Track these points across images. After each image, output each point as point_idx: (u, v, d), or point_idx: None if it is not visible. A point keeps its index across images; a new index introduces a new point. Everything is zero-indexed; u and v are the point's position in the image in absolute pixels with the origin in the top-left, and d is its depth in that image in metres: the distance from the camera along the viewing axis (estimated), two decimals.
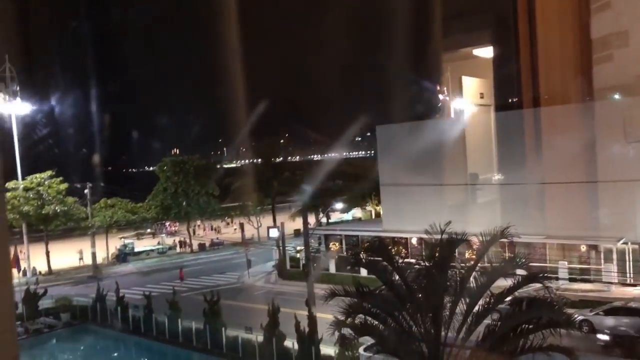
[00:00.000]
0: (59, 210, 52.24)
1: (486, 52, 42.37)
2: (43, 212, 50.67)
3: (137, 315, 33.06)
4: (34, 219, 51.09)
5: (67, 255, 55.07)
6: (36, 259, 51.62)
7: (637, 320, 22.57)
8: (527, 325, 15.22)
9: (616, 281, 31.31)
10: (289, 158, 73.61)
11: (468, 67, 42.71)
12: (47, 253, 51.15)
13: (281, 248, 45.63)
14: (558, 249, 34.45)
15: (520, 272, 16.62)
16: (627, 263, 32.25)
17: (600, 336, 23.32)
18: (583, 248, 33.64)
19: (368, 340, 19.09)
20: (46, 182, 52.09)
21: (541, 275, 17.05)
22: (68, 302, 37.29)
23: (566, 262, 33.63)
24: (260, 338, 26.69)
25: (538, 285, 16.53)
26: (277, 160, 61.15)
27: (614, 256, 32.25)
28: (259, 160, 62.11)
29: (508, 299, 16.23)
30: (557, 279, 31.82)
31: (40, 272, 50.92)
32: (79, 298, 38.67)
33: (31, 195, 50.61)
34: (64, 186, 53.60)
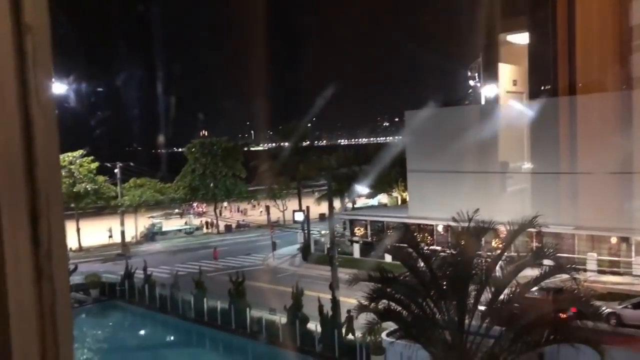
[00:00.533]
0: (89, 189, 53.31)
1: (521, 39, 41.48)
2: (74, 190, 51.74)
3: (164, 293, 33.69)
4: (65, 197, 52.20)
5: (97, 233, 56.27)
6: (67, 235, 52.77)
7: None
8: (552, 316, 15.07)
9: None
10: (316, 142, 73.58)
11: (502, 53, 41.91)
12: (78, 230, 52.31)
13: (306, 232, 45.84)
14: (587, 240, 33.86)
15: (547, 262, 16.43)
16: None
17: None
18: (613, 240, 33.00)
19: (391, 326, 19.13)
20: (77, 161, 53.12)
21: (569, 266, 16.84)
22: (97, 278, 38.16)
23: (595, 254, 33.07)
24: (284, 319, 26.97)
25: (565, 276, 16.32)
26: (304, 144, 61.19)
27: None
28: (286, 143, 62.23)
29: (534, 289, 16.08)
30: (585, 270, 31.35)
31: (70, 249, 52.16)
32: (108, 275, 39.56)
33: (63, 174, 51.70)
34: (94, 165, 54.63)
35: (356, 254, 41.36)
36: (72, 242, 52.98)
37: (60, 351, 0.81)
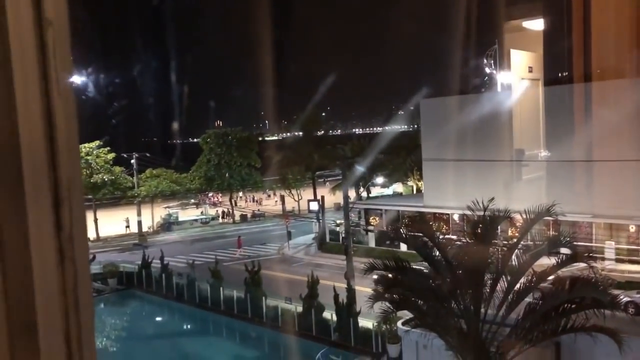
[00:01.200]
0: (106, 179, 53.91)
1: (537, 25, 40.94)
2: (91, 180, 52.36)
3: (181, 282, 34.07)
4: (82, 187, 52.75)
5: (114, 223, 56.94)
6: (87, 220, 53.41)
7: None
8: (569, 305, 15.00)
9: None
10: (331, 131, 73.49)
11: (517, 39, 41.43)
12: (95, 220, 52.98)
13: (321, 221, 45.96)
14: (605, 228, 33.54)
15: (564, 251, 16.33)
16: None
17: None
18: (632, 228, 32.65)
19: (406, 315, 19.17)
20: (94, 152, 53.69)
21: (586, 254, 16.73)
22: (115, 268, 38.66)
23: (613, 242, 32.76)
24: (300, 308, 27.15)
25: (583, 265, 16.22)
26: (319, 133, 61.19)
27: None
28: (300, 133, 62.31)
29: (550, 277, 15.99)
30: (603, 259, 31.09)
31: (88, 239, 52.75)
32: (125, 264, 40.07)
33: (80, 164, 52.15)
34: (111, 156, 55.18)
35: (371, 243, 41.41)
36: (90, 232, 53.69)
37: (82, 328, 0.86)
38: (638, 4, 33.43)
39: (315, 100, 60.57)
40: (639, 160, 30.73)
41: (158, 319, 36.39)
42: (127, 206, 59.84)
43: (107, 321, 34.33)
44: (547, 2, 38.65)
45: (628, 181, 31.57)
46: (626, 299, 21.72)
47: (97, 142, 54.44)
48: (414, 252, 17.60)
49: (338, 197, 51.09)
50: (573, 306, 14.85)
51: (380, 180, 60.11)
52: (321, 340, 25.85)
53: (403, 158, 54.77)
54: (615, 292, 17.09)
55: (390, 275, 15.90)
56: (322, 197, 47.78)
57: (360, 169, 48.06)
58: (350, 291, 25.70)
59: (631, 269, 31.02)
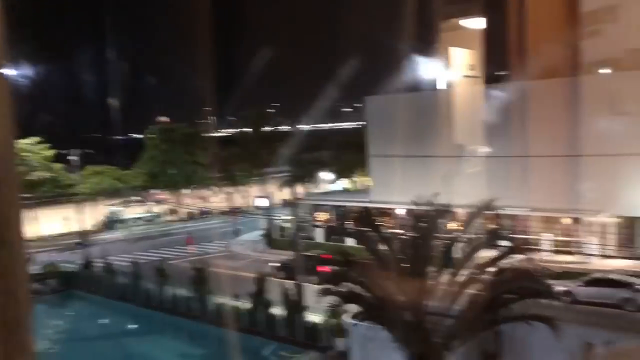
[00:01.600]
0: (46, 177, 51.90)
1: (477, 24, 42.03)
2: (30, 178, 50.28)
3: (125, 281, 33.28)
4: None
5: (55, 221, 54.90)
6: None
7: (615, 290, 23.09)
8: (509, 295, 15.57)
9: (597, 253, 31.89)
10: (278, 128, 73.18)
11: (459, 38, 42.39)
12: (35, 219, 50.89)
13: (269, 217, 45.82)
14: (542, 221, 34.88)
15: (504, 243, 16.95)
16: (608, 236, 32.78)
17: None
18: (566, 221, 34.10)
19: (354, 308, 19.39)
20: (32, 148, 51.57)
21: (524, 246, 17.42)
22: (55, 268, 37.38)
23: (550, 234, 34.13)
24: (248, 305, 27.02)
25: (522, 256, 16.88)
26: (266, 129, 60.83)
27: (595, 229, 32.77)
28: (248, 129, 61.80)
29: (492, 269, 16.55)
30: (540, 250, 32.35)
31: (27, 238, 50.68)
32: (66, 264, 38.77)
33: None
34: (50, 152, 53.14)
35: (319, 238, 41.59)
36: (29, 231, 51.52)
37: (19, 313, 0.86)
38: (571, 5, 34.87)
39: (264, 96, 60.28)
40: (572, 156, 32.11)
41: (101, 319, 35.40)
42: (68, 204, 57.78)
43: (47, 323, 33.10)
44: (484, 1, 39.77)
45: (563, 176, 32.94)
46: (562, 288, 22.73)
47: (36, 139, 52.32)
48: (361, 246, 17.85)
49: (286, 193, 51.05)
50: (513, 296, 15.44)
51: (327, 176, 60.35)
52: (269, 336, 25.82)
53: (350, 154, 55.21)
54: (551, 282, 17.87)
55: (338, 269, 16.06)
56: (271, 194, 47.67)
57: (308, 165, 48.19)
58: (299, 287, 25.78)
59: (567, 259, 32.40)
